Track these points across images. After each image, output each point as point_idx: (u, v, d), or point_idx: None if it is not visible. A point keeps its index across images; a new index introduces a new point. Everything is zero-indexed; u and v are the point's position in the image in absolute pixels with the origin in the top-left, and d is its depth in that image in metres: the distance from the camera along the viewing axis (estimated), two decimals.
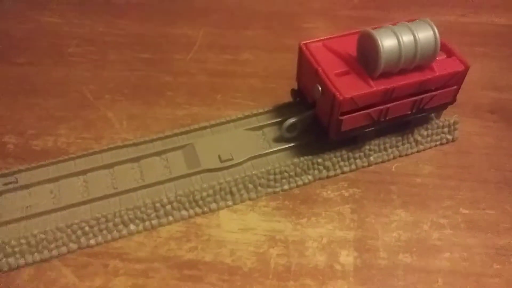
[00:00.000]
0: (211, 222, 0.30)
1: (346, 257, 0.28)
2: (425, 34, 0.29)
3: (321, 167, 0.32)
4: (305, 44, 0.32)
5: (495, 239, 0.30)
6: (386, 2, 0.50)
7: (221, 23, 0.47)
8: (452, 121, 0.35)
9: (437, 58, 0.30)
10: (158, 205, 0.29)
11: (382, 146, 0.34)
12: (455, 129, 0.35)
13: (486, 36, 0.46)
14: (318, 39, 0.32)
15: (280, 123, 0.34)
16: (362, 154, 0.33)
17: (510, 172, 0.34)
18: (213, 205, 0.31)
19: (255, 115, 0.35)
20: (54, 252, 0.28)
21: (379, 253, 0.29)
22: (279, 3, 0.50)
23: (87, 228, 0.28)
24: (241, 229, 0.30)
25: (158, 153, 0.33)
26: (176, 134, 0.34)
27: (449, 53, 0.32)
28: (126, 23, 0.47)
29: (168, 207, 0.30)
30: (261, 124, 0.35)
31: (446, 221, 0.31)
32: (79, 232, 0.28)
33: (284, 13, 0.48)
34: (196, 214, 0.30)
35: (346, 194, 0.32)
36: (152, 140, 0.34)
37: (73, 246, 0.28)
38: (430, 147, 0.35)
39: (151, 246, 0.29)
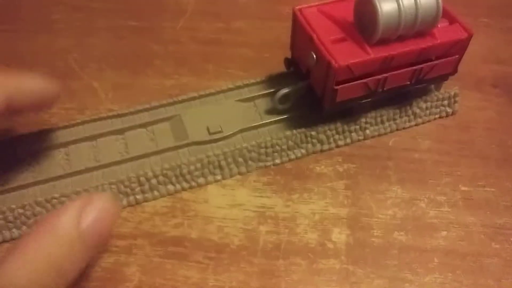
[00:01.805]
0: (198, 197, 0.29)
1: (339, 235, 0.27)
2: None
3: (314, 141, 0.31)
4: (300, 9, 0.30)
5: (494, 218, 0.29)
6: None
7: None
8: (452, 93, 0.34)
9: (439, 25, 0.29)
10: (142, 179, 0.28)
11: (378, 119, 0.32)
12: (455, 102, 0.34)
13: (490, 7, 0.44)
14: (313, 4, 0.30)
15: (272, 94, 0.32)
16: (357, 127, 0.32)
17: (511, 149, 0.32)
18: (201, 180, 0.29)
19: (246, 85, 0.34)
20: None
21: (373, 231, 0.28)
22: None
23: (64, 199, 0.27)
24: (229, 205, 0.28)
25: (143, 125, 0.31)
26: (163, 105, 0.32)
27: (451, 20, 0.30)
28: None
29: (154, 181, 0.28)
30: (252, 95, 0.33)
31: (444, 199, 0.29)
32: (59, 207, 0.27)
33: None
34: (183, 189, 0.29)
35: (341, 169, 0.31)
36: (137, 111, 0.32)
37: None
38: (429, 120, 0.34)
39: (135, 221, 0.27)
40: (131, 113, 0.32)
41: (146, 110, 0.32)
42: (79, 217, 0.20)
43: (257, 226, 0.28)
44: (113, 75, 0.36)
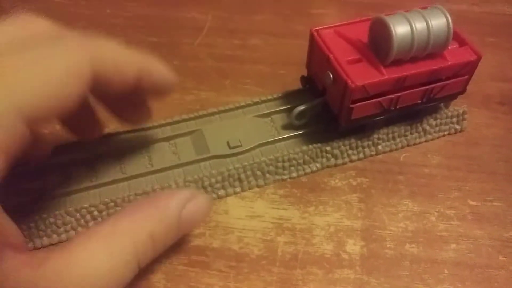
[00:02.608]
0: (219, 209, 0.30)
1: (353, 246, 0.29)
2: (438, 21, 0.28)
3: (329, 155, 0.32)
4: (317, 30, 0.32)
5: (502, 231, 0.30)
6: None
7: (230, 7, 0.46)
8: (461, 111, 0.35)
9: (449, 47, 0.30)
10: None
11: (390, 135, 0.34)
12: (463, 119, 0.35)
13: (497, 26, 0.46)
14: (329, 25, 0.32)
15: (289, 110, 0.34)
16: (370, 143, 0.33)
17: None
18: (221, 192, 0.31)
19: (263, 101, 0.35)
20: (63, 236, 0.28)
21: (386, 243, 0.29)
22: None
23: (96, 213, 0.28)
24: (248, 216, 0.30)
25: (166, 139, 0.33)
26: (184, 120, 0.34)
27: (461, 42, 0.31)
28: (134, 5, 0.46)
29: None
30: (270, 111, 0.34)
31: (453, 212, 0.31)
32: (88, 217, 0.28)
33: None
34: None
35: (354, 183, 0.32)
36: (160, 126, 0.33)
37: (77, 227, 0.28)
38: (439, 137, 0.35)
39: None
40: (154, 127, 0.33)
41: (169, 124, 0.33)
42: (184, 205, 0.23)
43: (275, 237, 0.29)
44: None
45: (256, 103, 0.35)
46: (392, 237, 0.29)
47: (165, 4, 0.46)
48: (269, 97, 0.35)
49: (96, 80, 0.21)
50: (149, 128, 0.33)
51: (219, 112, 0.34)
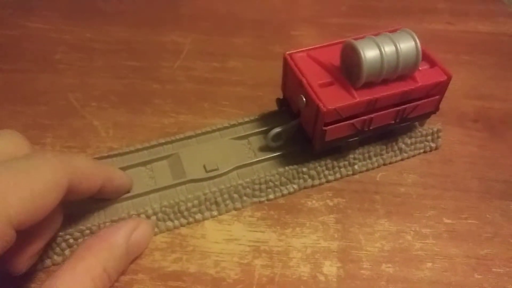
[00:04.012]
0: (196, 233, 0.30)
1: (330, 268, 0.29)
2: (407, 44, 0.29)
3: (306, 176, 0.33)
4: (290, 54, 0.32)
5: (477, 249, 0.30)
6: (374, 10, 0.51)
7: (210, 30, 0.47)
8: (435, 129, 0.36)
9: (420, 68, 0.31)
10: (143, 216, 0.29)
11: (366, 155, 0.34)
12: (438, 137, 0.36)
13: (471, 44, 0.47)
14: (302, 49, 0.32)
15: (265, 132, 0.34)
16: (346, 162, 0.34)
17: (492, 182, 0.34)
18: (198, 216, 0.31)
19: (240, 124, 0.36)
20: (39, 267, 0.28)
21: (363, 263, 0.29)
22: (267, 10, 0.50)
23: (71, 241, 0.28)
24: (226, 240, 0.30)
25: (143, 163, 0.33)
26: (161, 144, 0.34)
27: (431, 63, 0.32)
28: (114, 30, 0.47)
29: (153, 218, 0.30)
30: (246, 133, 0.35)
31: (429, 231, 0.31)
32: (64, 245, 0.28)
33: (272, 21, 0.49)
34: (181, 225, 0.30)
35: (331, 203, 0.32)
36: (137, 150, 0.34)
37: (58, 259, 0.28)
38: (414, 155, 0.36)
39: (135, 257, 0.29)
40: (131, 152, 0.33)
41: (146, 148, 0.34)
42: (131, 235, 0.27)
43: (252, 260, 0.29)
44: (114, 113, 0.38)
45: (233, 126, 0.35)
46: (369, 257, 0.29)
47: (145, 28, 0.47)
48: (246, 119, 0.36)
49: (69, 190, 0.24)
50: (126, 153, 0.33)
51: (196, 135, 0.35)
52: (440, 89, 0.32)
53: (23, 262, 0.24)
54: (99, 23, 0.47)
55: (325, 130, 0.29)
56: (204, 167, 0.32)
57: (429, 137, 0.36)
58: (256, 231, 0.30)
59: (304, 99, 0.30)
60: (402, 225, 0.31)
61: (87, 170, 0.25)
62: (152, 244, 0.29)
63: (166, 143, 0.34)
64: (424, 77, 0.31)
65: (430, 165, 0.35)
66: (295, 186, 0.33)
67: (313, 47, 0.33)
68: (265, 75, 0.42)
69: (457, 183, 0.34)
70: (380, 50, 0.28)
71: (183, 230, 0.30)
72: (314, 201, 0.32)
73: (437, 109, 0.34)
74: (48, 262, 0.28)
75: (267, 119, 0.36)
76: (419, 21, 0.50)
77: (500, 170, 0.35)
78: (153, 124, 0.37)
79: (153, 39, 0.46)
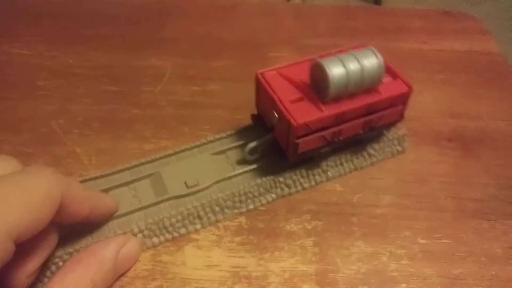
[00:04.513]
0: (176, 260, 0.31)
1: None
2: (370, 61, 0.31)
3: (283, 185, 0.34)
4: (261, 73, 0.34)
5: (450, 268, 0.31)
6: (352, 30, 0.52)
7: (190, 54, 0.48)
8: (401, 134, 0.38)
9: (383, 81, 0.33)
10: (129, 235, 0.30)
11: (338, 162, 0.36)
12: (404, 141, 0.38)
13: (446, 63, 0.48)
14: (273, 67, 0.34)
15: (242, 146, 0.36)
16: (320, 170, 0.35)
17: (466, 201, 0.35)
18: (182, 230, 0.32)
19: (218, 139, 0.37)
20: None
21: (339, 286, 0.30)
22: (247, 32, 0.51)
23: (61, 263, 0.29)
24: (206, 266, 0.31)
25: (126, 183, 0.34)
26: (142, 163, 0.35)
27: (394, 76, 0.34)
28: (96, 55, 0.47)
29: (139, 235, 0.31)
30: (224, 148, 0.36)
31: (404, 252, 0.32)
32: (54, 268, 0.29)
33: (251, 43, 0.50)
34: (166, 240, 0.31)
35: (309, 227, 0.33)
36: (119, 171, 0.35)
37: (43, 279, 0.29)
38: (383, 159, 0.37)
39: (117, 286, 0.29)
40: (114, 173, 0.34)
41: (127, 169, 0.35)
42: (118, 250, 0.28)
43: (232, 285, 0.30)
44: (95, 140, 0.38)
45: (211, 141, 0.37)
46: (345, 279, 0.30)
47: (127, 52, 0.48)
48: (223, 135, 0.37)
49: (61, 207, 0.25)
50: (108, 175, 0.34)
51: (176, 153, 0.36)
52: (403, 99, 0.34)
53: (21, 281, 0.25)
54: (81, 48, 0.48)
55: (298, 142, 0.31)
56: (185, 183, 0.33)
57: (396, 141, 0.38)
58: (235, 257, 0.31)
59: (276, 114, 0.32)
60: (378, 247, 0.32)
61: (78, 192, 0.26)
62: (133, 273, 0.30)
63: (146, 162, 0.35)
64: (388, 89, 0.33)
65: (405, 185, 0.36)
66: (273, 195, 0.34)
67: (283, 65, 0.34)
68: (244, 97, 0.42)
69: (431, 203, 0.35)
70: (345, 67, 0.30)
71: (164, 257, 0.31)
72: (292, 225, 0.33)
73: (402, 117, 0.35)
74: (39, 286, 0.28)
75: (243, 134, 0.37)
76: (395, 40, 0.51)
77: (473, 189, 0.36)
78: (134, 150, 0.38)
79: (134, 63, 0.46)
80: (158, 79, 0.45)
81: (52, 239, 0.27)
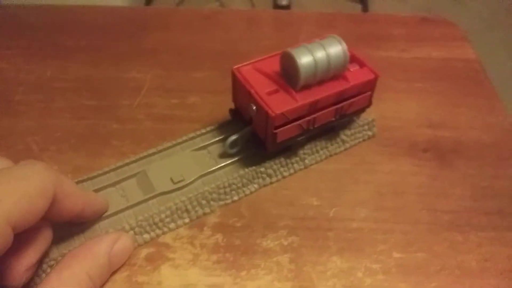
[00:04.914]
0: (152, 280, 0.31)
1: None
2: (335, 48, 0.33)
3: (264, 175, 0.36)
4: (237, 68, 0.36)
5: (425, 282, 0.31)
6: None
7: (170, 65, 0.48)
8: (370, 120, 0.40)
9: (351, 70, 0.36)
10: (121, 231, 0.32)
11: (314, 149, 0.38)
12: (373, 126, 0.40)
13: (424, 71, 0.48)
14: (248, 62, 0.36)
15: (223, 141, 0.38)
16: (298, 158, 0.37)
17: (440, 213, 0.35)
18: (172, 225, 0.33)
19: (199, 136, 0.39)
20: None
21: None
22: (227, 42, 0.51)
23: (53, 263, 0.30)
24: (182, 285, 0.31)
25: (113, 184, 0.35)
26: (127, 164, 0.36)
27: (361, 64, 0.37)
28: (74, 67, 0.47)
29: (131, 233, 0.32)
30: (205, 143, 0.38)
31: (379, 266, 0.32)
32: (49, 270, 0.30)
33: (232, 52, 0.50)
34: (157, 236, 0.33)
35: (285, 243, 0.33)
36: (105, 172, 0.36)
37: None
38: (355, 144, 0.40)
39: None
40: (99, 175, 0.35)
41: (113, 170, 0.36)
42: (112, 246, 0.29)
43: None
44: (73, 156, 0.38)
45: (192, 138, 0.38)
46: None
47: (106, 63, 0.48)
48: (203, 131, 0.39)
49: (55, 201, 0.26)
50: (95, 177, 0.35)
51: (159, 151, 0.37)
52: (370, 86, 0.36)
53: (19, 275, 0.26)
54: (59, 61, 0.48)
55: (276, 132, 0.33)
56: (171, 179, 0.35)
57: (366, 127, 0.40)
58: (212, 275, 0.31)
59: (254, 107, 0.34)
60: (353, 262, 0.32)
61: (70, 188, 0.28)
62: None
63: (131, 162, 0.36)
64: (355, 77, 0.35)
65: (381, 198, 0.36)
66: (256, 186, 0.36)
67: (257, 59, 0.36)
68: (224, 110, 0.42)
69: (407, 216, 0.35)
70: (312, 55, 0.32)
71: (140, 278, 0.31)
72: (269, 241, 0.33)
73: (370, 103, 0.38)
74: (37, 281, 0.29)
75: (222, 129, 0.39)
76: (375, 48, 0.51)
77: (448, 201, 0.36)
78: (111, 167, 0.37)
79: (114, 75, 0.46)
80: (138, 92, 0.45)
81: (47, 235, 0.28)
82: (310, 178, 0.37)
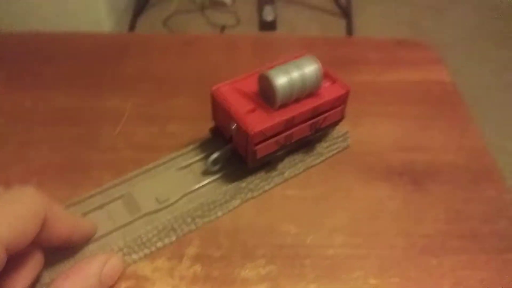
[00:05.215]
0: None
1: None
2: (310, 68, 0.35)
3: (246, 190, 0.38)
4: (217, 88, 0.37)
5: None
6: None
7: (150, 93, 0.48)
8: (343, 132, 0.42)
9: (324, 86, 0.37)
10: (111, 253, 0.32)
11: (293, 162, 0.40)
12: (347, 138, 0.42)
13: (399, 94, 0.50)
14: (226, 82, 0.38)
15: (204, 159, 0.39)
16: (277, 172, 0.39)
17: (415, 237, 0.36)
18: (159, 244, 0.34)
19: (181, 155, 0.40)
20: None
21: None
22: (206, 67, 0.52)
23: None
24: None
25: (99, 207, 0.36)
26: (112, 186, 0.37)
27: (333, 80, 0.39)
28: (54, 96, 0.47)
29: (120, 253, 0.33)
30: (188, 162, 0.39)
31: None
32: None
33: (211, 77, 0.49)
34: (145, 255, 0.34)
35: (263, 272, 0.34)
36: (91, 196, 0.36)
37: None
38: (331, 156, 0.42)
39: None
40: (85, 199, 0.36)
41: (98, 193, 0.36)
42: (103, 267, 0.30)
43: None
44: (53, 188, 0.39)
45: (174, 158, 0.39)
46: None
47: (86, 93, 0.48)
48: (185, 150, 0.40)
49: (45, 225, 0.27)
50: (80, 201, 0.36)
51: (142, 172, 0.38)
52: (342, 100, 0.38)
53: None
54: (39, 90, 0.48)
55: (255, 149, 0.35)
56: (157, 199, 0.36)
57: (340, 139, 0.42)
58: None
59: (234, 125, 0.35)
60: None
61: (59, 212, 0.29)
62: None
63: (115, 185, 0.37)
64: (328, 93, 0.37)
65: (357, 223, 0.37)
66: (239, 201, 0.37)
67: (235, 79, 0.38)
68: (203, 137, 0.43)
69: (382, 241, 0.36)
70: (288, 76, 0.34)
71: None
72: (247, 271, 0.34)
73: (343, 117, 0.40)
74: None
75: (204, 147, 0.40)
76: (352, 72, 0.52)
77: (422, 225, 0.37)
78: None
79: (94, 104, 0.47)
80: (118, 121, 0.45)
81: (39, 259, 0.29)
82: (288, 205, 0.38)
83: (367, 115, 0.47)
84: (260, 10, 1.88)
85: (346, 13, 1.84)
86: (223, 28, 1.81)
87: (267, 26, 1.83)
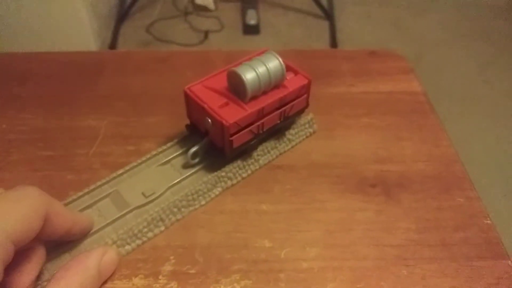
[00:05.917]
0: None
1: None
2: (273, 63, 0.39)
3: (225, 179, 0.41)
4: (189, 88, 0.40)
5: None
6: None
7: (125, 111, 0.49)
8: (309, 118, 0.46)
9: (288, 78, 0.41)
10: (107, 246, 0.35)
11: (266, 150, 0.43)
12: (313, 123, 0.46)
13: (372, 105, 0.51)
14: (197, 81, 0.41)
15: (184, 153, 0.42)
16: (253, 160, 0.42)
17: (387, 247, 0.37)
18: (150, 234, 0.37)
19: (161, 152, 0.42)
20: None
21: None
22: (181, 83, 0.52)
23: (45, 284, 0.32)
24: None
25: (89, 206, 0.38)
26: (99, 186, 0.39)
27: (295, 72, 0.42)
28: (30, 117, 0.48)
29: (114, 246, 0.35)
30: (168, 158, 0.42)
31: None
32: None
33: None
34: (138, 246, 0.36)
35: (238, 287, 0.34)
36: (79, 197, 0.38)
37: None
38: (300, 141, 0.45)
39: None
40: (74, 200, 0.38)
41: (87, 193, 0.38)
42: (101, 259, 0.32)
43: None
44: None
45: (155, 155, 0.42)
46: None
47: (62, 112, 0.48)
48: (164, 147, 0.43)
49: (46, 220, 0.30)
50: (70, 202, 0.38)
51: (126, 171, 0.40)
52: (305, 89, 0.42)
53: None
54: (15, 111, 0.48)
55: (232, 139, 0.38)
56: (143, 194, 0.39)
57: (307, 125, 0.46)
58: None
59: (209, 120, 0.38)
60: None
61: (59, 208, 0.31)
62: None
63: (102, 184, 0.39)
64: (292, 83, 0.41)
65: (331, 235, 0.38)
66: (219, 189, 0.40)
67: (204, 78, 0.41)
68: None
69: (355, 252, 0.37)
70: (255, 71, 0.38)
71: None
72: (222, 286, 0.34)
73: (307, 105, 0.44)
74: None
75: (182, 143, 0.43)
76: (325, 85, 0.53)
77: (394, 235, 0.38)
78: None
79: (69, 124, 0.47)
80: (93, 140, 0.45)
81: (42, 253, 0.32)
82: (263, 220, 0.39)
83: (340, 127, 0.48)
84: (243, 14, 1.90)
85: (328, 15, 1.86)
86: (206, 33, 1.82)
87: (251, 29, 1.85)
